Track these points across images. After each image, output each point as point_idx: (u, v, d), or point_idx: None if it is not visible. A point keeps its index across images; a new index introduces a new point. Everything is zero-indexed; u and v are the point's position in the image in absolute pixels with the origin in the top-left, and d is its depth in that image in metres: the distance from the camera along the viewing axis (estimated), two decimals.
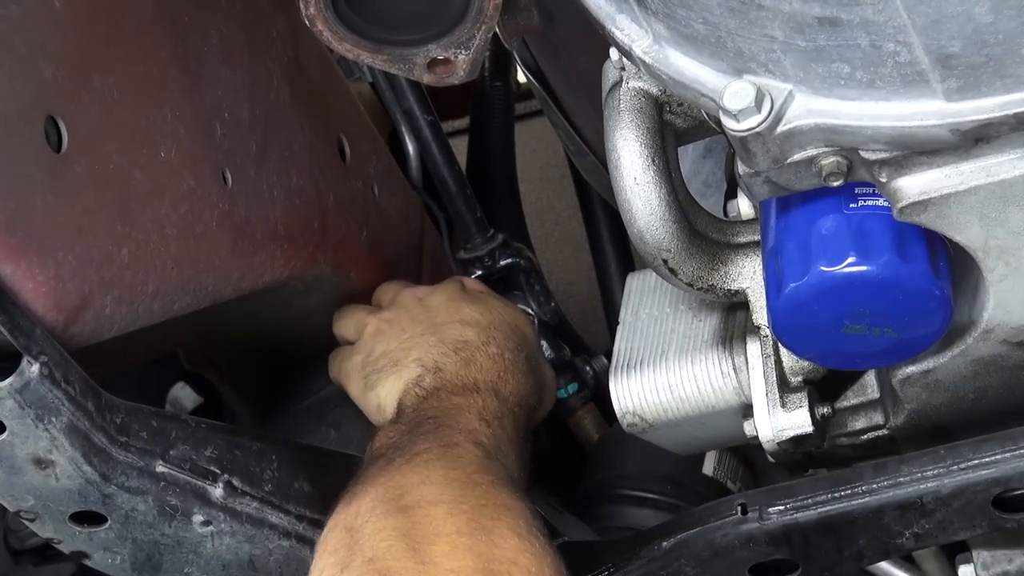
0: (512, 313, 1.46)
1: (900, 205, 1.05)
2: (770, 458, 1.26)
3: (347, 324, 1.52)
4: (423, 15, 1.29)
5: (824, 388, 1.26)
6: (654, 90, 1.21)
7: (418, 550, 1.07)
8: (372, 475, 1.19)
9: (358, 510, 1.14)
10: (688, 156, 1.61)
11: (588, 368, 1.84)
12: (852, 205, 1.11)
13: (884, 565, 1.36)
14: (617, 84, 1.21)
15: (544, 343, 1.81)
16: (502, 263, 1.85)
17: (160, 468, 1.17)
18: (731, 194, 1.35)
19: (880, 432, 1.26)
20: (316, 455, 1.31)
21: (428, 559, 1.07)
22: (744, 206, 1.31)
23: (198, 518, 1.20)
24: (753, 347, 1.25)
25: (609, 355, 1.35)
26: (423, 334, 1.41)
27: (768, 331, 1.24)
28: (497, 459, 1.22)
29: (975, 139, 1.01)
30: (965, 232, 1.06)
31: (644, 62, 1.11)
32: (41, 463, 1.13)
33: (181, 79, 1.32)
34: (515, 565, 1.07)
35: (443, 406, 1.29)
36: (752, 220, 1.28)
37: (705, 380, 1.28)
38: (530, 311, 1.84)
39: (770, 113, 1.03)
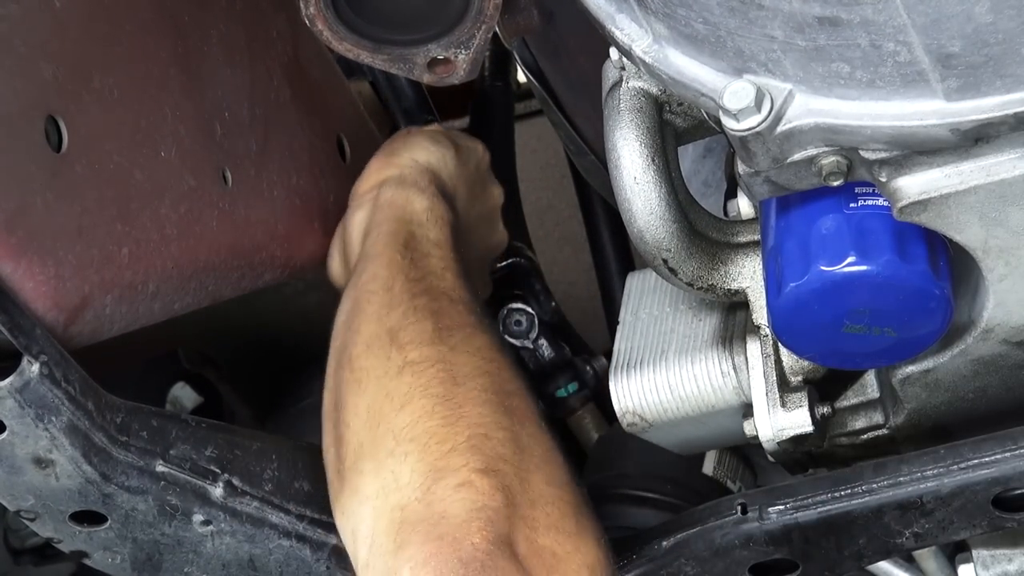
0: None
1: (900, 205, 1.05)
2: (770, 458, 1.26)
3: None
4: (423, 15, 1.29)
5: (824, 388, 1.26)
6: (654, 90, 1.21)
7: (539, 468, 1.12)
8: (463, 329, 1.22)
9: (467, 372, 1.17)
10: (688, 156, 1.61)
11: (588, 368, 1.84)
12: (852, 205, 1.11)
13: (884, 565, 1.36)
14: (617, 84, 1.21)
15: (544, 342, 1.81)
16: (502, 263, 1.85)
17: (160, 468, 1.17)
18: (731, 194, 1.35)
19: (880, 432, 1.26)
20: (316, 454, 1.31)
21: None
22: (744, 206, 1.31)
23: (198, 517, 1.20)
24: (753, 347, 1.25)
25: (609, 355, 1.35)
26: None
27: (768, 331, 1.24)
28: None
29: (975, 139, 1.01)
30: (965, 232, 1.06)
31: (644, 62, 1.11)
32: (41, 462, 1.12)
33: (181, 79, 1.32)
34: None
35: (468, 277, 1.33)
36: (752, 220, 1.28)
37: (705, 380, 1.28)
38: (530, 310, 1.84)
39: (770, 113, 1.03)
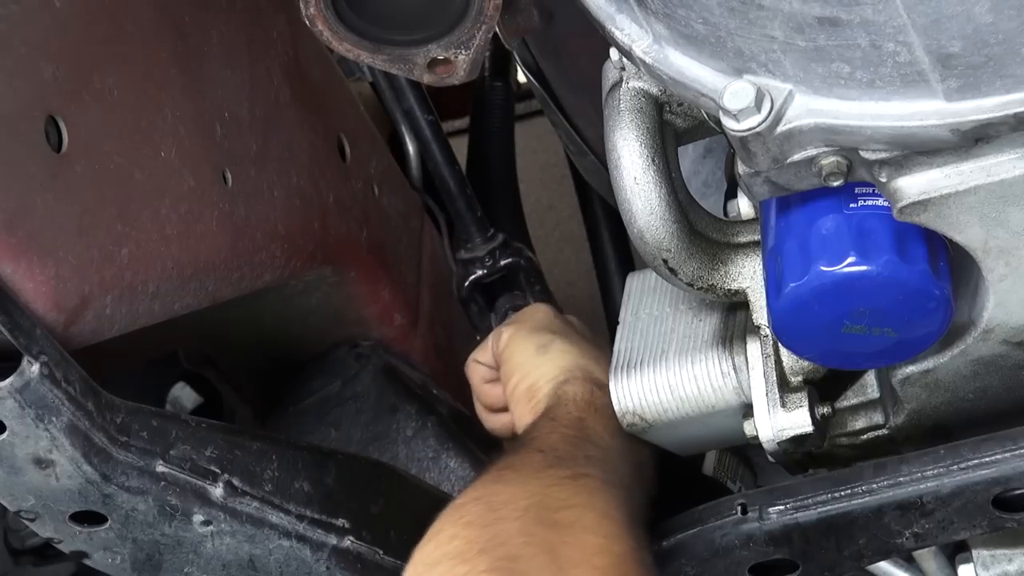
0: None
1: (900, 205, 1.05)
2: (770, 458, 1.26)
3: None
4: (423, 15, 1.29)
5: (824, 388, 1.26)
6: (654, 90, 1.21)
7: (562, 570, 1.06)
8: (532, 469, 1.17)
9: (509, 498, 1.12)
10: (688, 156, 1.61)
11: None
12: (852, 205, 1.10)
13: (884, 565, 1.36)
14: (617, 84, 1.21)
15: None
16: (502, 263, 1.85)
17: (160, 468, 1.17)
18: (731, 194, 1.35)
19: (880, 432, 1.26)
20: (316, 455, 1.31)
21: None
22: (744, 206, 1.32)
23: (198, 518, 1.20)
24: (753, 347, 1.25)
25: (609, 355, 1.35)
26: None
27: (768, 331, 1.23)
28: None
29: (975, 139, 1.01)
30: (965, 232, 1.06)
31: (644, 62, 1.11)
32: (41, 463, 1.13)
33: (181, 79, 1.32)
34: None
35: (601, 437, 1.28)
36: (752, 220, 1.28)
37: (705, 380, 1.28)
38: None
39: (770, 113, 1.03)
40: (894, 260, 1.08)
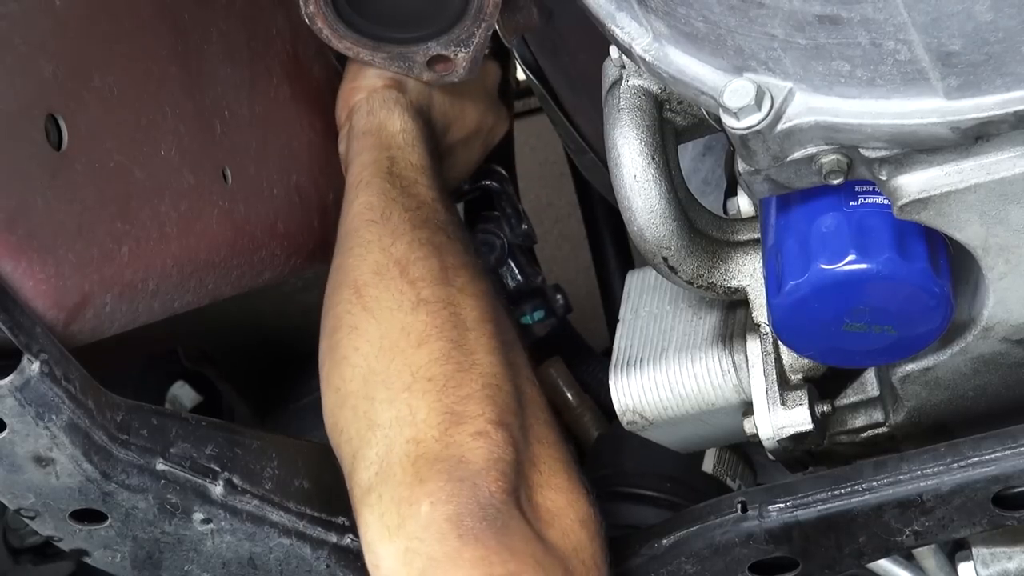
0: None
1: (900, 203, 1.05)
2: (770, 456, 1.26)
3: None
4: (423, 13, 1.29)
5: (824, 386, 1.26)
6: (654, 88, 1.21)
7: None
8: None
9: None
10: (688, 154, 1.61)
11: (558, 296, 1.76)
12: (852, 203, 1.11)
13: (884, 563, 1.36)
14: (617, 82, 1.21)
15: (513, 265, 1.74)
16: (473, 185, 1.77)
17: (160, 466, 1.17)
18: (731, 192, 1.35)
19: (880, 430, 1.26)
20: (316, 452, 1.31)
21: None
22: (744, 204, 1.32)
23: (198, 516, 1.20)
24: (753, 345, 1.25)
25: (609, 353, 1.35)
26: None
27: (768, 329, 1.24)
28: None
29: (975, 137, 1.01)
30: (965, 230, 1.06)
31: (644, 60, 1.11)
32: (41, 461, 1.12)
33: (181, 77, 1.32)
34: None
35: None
36: (752, 218, 1.28)
37: (705, 378, 1.28)
38: (500, 235, 1.75)
39: (770, 111, 1.03)
40: (894, 258, 1.08)
